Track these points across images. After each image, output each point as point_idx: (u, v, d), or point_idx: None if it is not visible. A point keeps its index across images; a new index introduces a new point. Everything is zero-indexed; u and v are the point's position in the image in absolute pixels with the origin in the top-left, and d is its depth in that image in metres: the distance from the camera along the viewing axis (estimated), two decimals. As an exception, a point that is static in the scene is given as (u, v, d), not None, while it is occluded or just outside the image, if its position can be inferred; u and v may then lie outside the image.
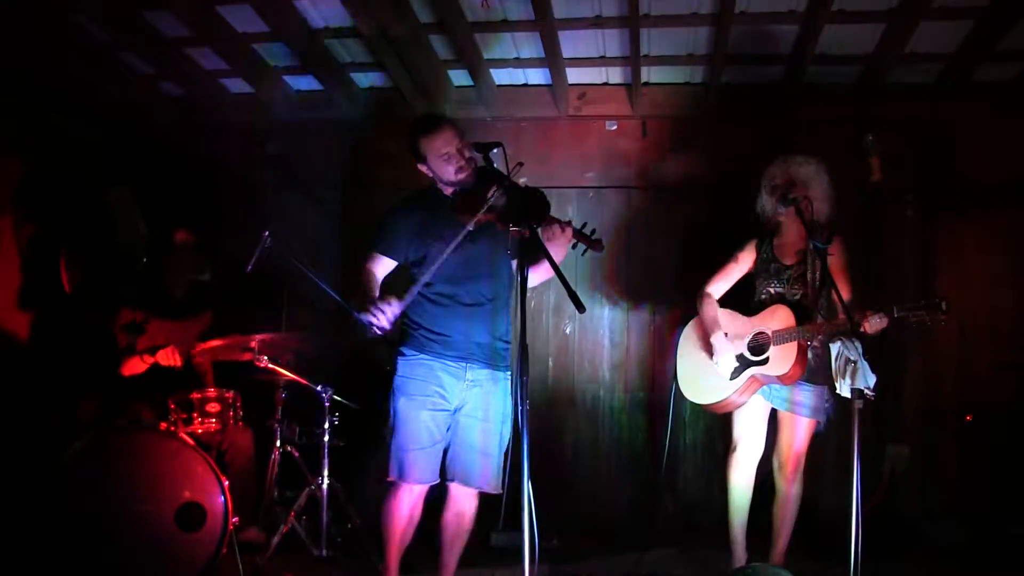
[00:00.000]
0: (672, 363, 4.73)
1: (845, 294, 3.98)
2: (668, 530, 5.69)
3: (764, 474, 4.49)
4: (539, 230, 3.57)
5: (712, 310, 4.46)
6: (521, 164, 3.60)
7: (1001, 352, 5.71)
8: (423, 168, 3.92)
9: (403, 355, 3.87)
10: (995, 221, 5.82)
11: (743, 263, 4.54)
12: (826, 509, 5.29)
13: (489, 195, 3.55)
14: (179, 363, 5.07)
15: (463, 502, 3.94)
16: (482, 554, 4.87)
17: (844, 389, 3.60)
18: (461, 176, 3.81)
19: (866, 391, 3.55)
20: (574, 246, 3.80)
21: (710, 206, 5.88)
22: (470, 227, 3.57)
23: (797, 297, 4.30)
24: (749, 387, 4.26)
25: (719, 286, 4.56)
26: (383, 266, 3.90)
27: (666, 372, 4.82)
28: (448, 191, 3.93)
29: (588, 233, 3.81)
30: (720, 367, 4.31)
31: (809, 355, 4.19)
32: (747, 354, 4.32)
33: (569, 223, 3.75)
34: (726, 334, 4.39)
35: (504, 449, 3.93)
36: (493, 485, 3.89)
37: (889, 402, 5.67)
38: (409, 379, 3.81)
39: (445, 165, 3.82)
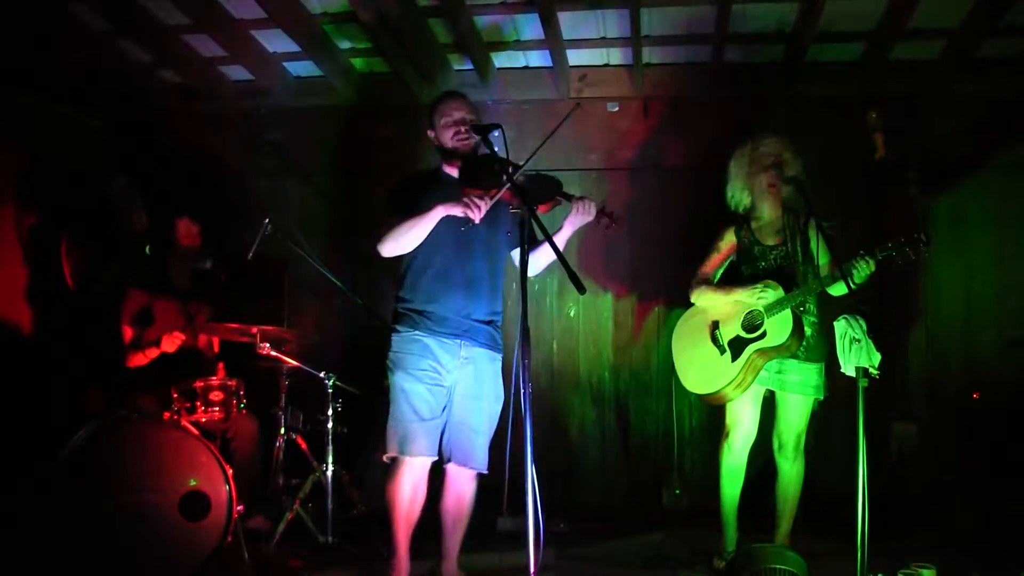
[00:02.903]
0: (669, 355, 4.72)
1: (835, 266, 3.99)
2: (674, 512, 5.69)
3: (765, 456, 4.49)
4: (570, 204, 3.70)
5: (714, 287, 4.46)
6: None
7: (1007, 329, 5.71)
8: (430, 134, 4.04)
9: (397, 332, 3.89)
10: (1000, 197, 5.79)
11: (725, 252, 4.53)
12: (832, 489, 5.29)
13: (502, 173, 3.55)
14: (181, 341, 5.06)
15: (462, 485, 3.96)
16: (489, 539, 4.86)
17: (848, 368, 3.58)
18: (456, 144, 3.91)
19: (871, 369, 3.52)
20: (598, 221, 3.77)
21: (713, 186, 5.82)
22: (497, 197, 3.59)
23: (790, 275, 4.29)
24: (751, 366, 4.23)
25: (708, 278, 4.55)
26: None
27: (668, 356, 4.79)
28: (452, 171, 3.97)
29: (610, 213, 3.79)
30: (763, 303, 4.24)
31: (808, 330, 4.20)
32: (743, 334, 4.30)
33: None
34: (716, 322, 4.41)
35: (493, 429, 3.98)
36: (484, 464, 3.95)
37: (894, 381, 5.65)
38: (405, 355, 3.83)
39: (446, 130, 3.94)
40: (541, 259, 3.94)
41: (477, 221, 3.59)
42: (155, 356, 5.05)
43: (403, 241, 3.79)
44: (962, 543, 4.89)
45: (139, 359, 5.06)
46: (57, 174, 5.87)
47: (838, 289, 4.14)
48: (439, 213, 3.69)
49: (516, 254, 4.02)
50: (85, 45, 5.59)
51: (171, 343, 5.02)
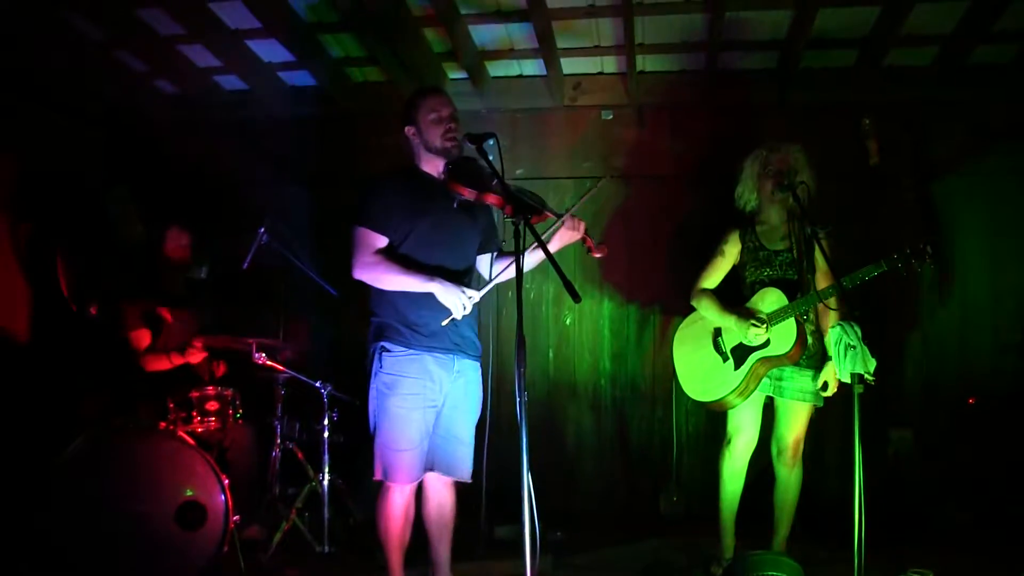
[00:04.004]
0: (670, 361, 4.72)
1: (833, 276, 4.01)
2: (671, 519, 5.69)
3: (763, 463, 4.50)
4: (559, 220, 3.64)
5: (716, 302, 4.44)
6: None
7: (1003, 334, 5.72)
8: (410, 131, 3.83)
9: (388, 351, 3.70)
10: (994, 203, 5.81)
11: (730, 256, 4.53)
12: (828, 495, 5.29)
13: (490, 178, 3.54)
14: (206, 354, 5.10)
15: (442, 492, 3.88)
16: (486, 547, 4.87)
17: (844, 374, 3.58)
18: (447, 144, 3.76)
19: (866, 376, 3.53)
20: (583, 242, 3.76)
21: (708, 193, 5.85)
22: (471, 198, 3.57)
23: (794, 280, 4.30)
24: (754, 375, 4.24)
25: (711, 282, 4.54)
26: (381, 245, 3.71)
27: (666, 363, 4.80)
28: (430, 169, 3.84)
29: (592, 236, 3.81)
30: (757, 341, 4.28)
31: (808, 338, 4.21)
32: (746, 342, 4.31)
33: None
34: (719, 329, 4.42)
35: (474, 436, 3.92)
36: (469, 474, 3.87)
37: (890, 387, 5.66)
38: (400, 377, 3.67)
39: (434, 127, 3.77)
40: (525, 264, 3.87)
41: (459, 319, 3.57)
42: (179, 364, 5.06)
43: (383, 285, 3.68)
44: (960, 548, 4.89)
45: (162, 363, 5.05)
46: (54, 183, 5.86)
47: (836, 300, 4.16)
48: (433, 288, 3.56)
49: (482, 259, 4.00)
50: (81, 55, 5.59)
51: (196, 355, 5.03)
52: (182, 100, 6.39)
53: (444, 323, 3.60)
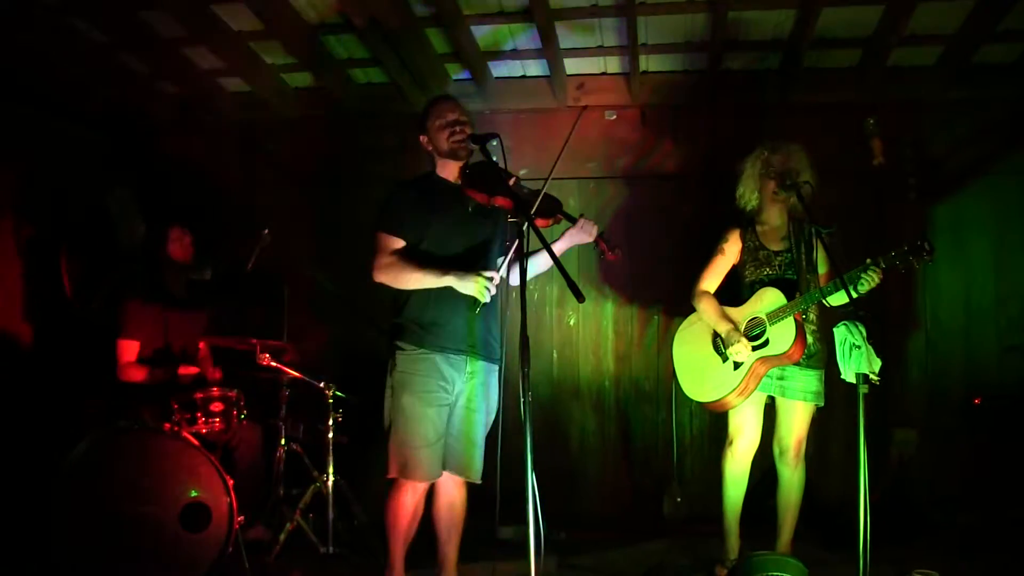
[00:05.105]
0: (670, 361, 4.72)
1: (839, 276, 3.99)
2: (675, 521, 5.68)
3: (767, 464, 4.48)
4: (572, 223, 3.81)
5: (714, 306, 4.43)
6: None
7: (1008, 334, 5.71)
8: (423, 140, 3.97)
9: (402, 350, 3.79)
10: (998, 204, 5.79)
11: (730, 255, 4.52)
12: (832, 495, 5.28)
13: (510, 181, 3.63)
14: (196, 373, 5.08)
15: (452, 491, 3.93)
16: (489, 547, 4.86)
17: (849, 374, 3.58)
18: (453, 146, 3.85)
19: (871, 376, 3.52)
20: (595, 245, 3.85)
21: (711, 194, 5.83)
22: (483, 202, 3.67)
23: (793, 280, 4.29)
24: (754, 375, 4.23)
25: (712, 281, 4.53)
26: (397, 247, 3.81)
27: (668, 365, 4.79)
28: (447, 174, 3.93)
29: (608, 240, 3.86)
30: (737, 358, 4.27)
31: (809, 337, 4.20)
32: (731, 356, 4.30)
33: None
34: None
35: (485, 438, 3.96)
36: (479, 475, 3.92)
37: (895, 387, 5.65)
38: (412, 375, 3.75)
39: (440, 132, 3.88)
40: (534, 269, 3.95)
41: (485, 302, 3.60)
42: (160, 380, 5.01)
43: (401, 285, 3.78)
44: (964, 549, 4.88)
45: (138, 374, 5.02)
46: (56, 186, 5.87)
47: (838, 299, 4.14)
48: (448, 282, 3.65)
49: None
50: (83, 58, 5.60)
51: (186, 376, 5.02)
52: (185, 102, 6.39)
53: (476, 311, 3.66)
